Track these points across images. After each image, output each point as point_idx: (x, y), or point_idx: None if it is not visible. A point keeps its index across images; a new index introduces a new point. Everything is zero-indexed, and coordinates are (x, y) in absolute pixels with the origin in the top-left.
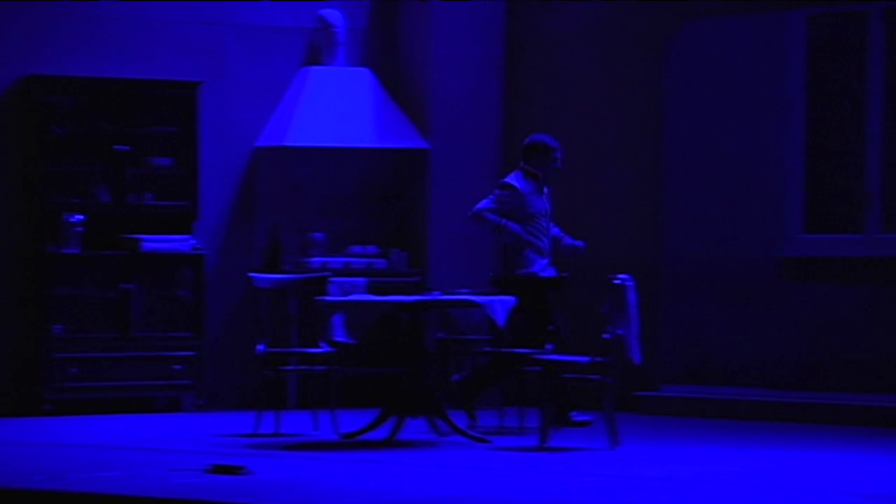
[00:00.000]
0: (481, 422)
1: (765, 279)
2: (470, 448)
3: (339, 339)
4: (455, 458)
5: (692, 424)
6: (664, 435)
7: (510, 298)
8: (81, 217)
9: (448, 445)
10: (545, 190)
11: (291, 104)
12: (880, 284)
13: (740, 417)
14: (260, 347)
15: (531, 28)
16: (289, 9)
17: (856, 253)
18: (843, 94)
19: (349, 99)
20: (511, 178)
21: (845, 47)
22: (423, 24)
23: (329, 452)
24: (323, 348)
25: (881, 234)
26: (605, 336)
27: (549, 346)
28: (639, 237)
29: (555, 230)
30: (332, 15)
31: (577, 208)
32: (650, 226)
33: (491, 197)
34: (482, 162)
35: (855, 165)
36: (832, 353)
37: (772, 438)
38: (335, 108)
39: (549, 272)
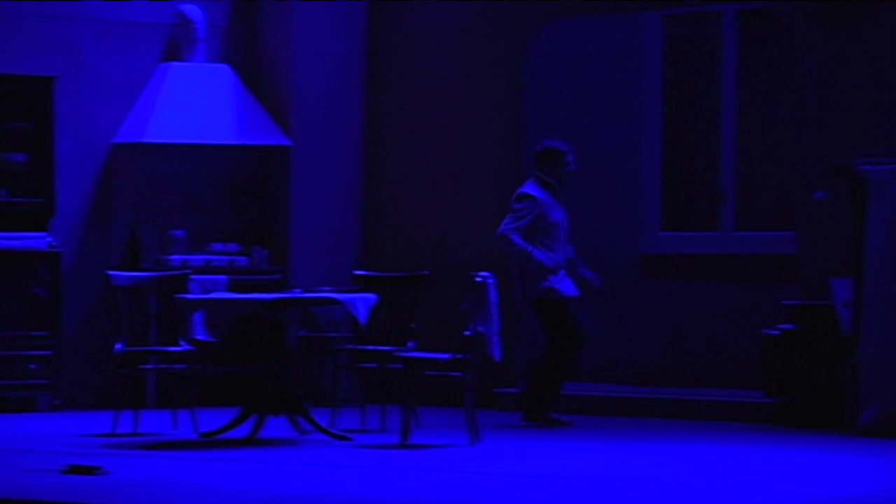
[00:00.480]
0: (342, 421)
1: (624, 276)
2: (331, 446)
3: (199, 337)
4: (317, 456)
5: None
6: (524, 431)
7: (371, 296)
8: None
9: (310, 443)
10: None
11: (150, 100)
12: (735, 281)
13: (600, 413)
14: (118, 346)
15: (393, 25)
16: (147, 4)
17: (711, 250)
18: (699, 93)
19: (209, 95)
20: (528, 188)
21: (700, 47)
22: (283, 21)
23: (189, 452)
24: (183, 347)
25: (736, 231)
26: (467, 333)
27: (410, 344)
28: None
29: (569, 249)
30: (192, 11)
31: (438, 206)
32: None
33: (511, 214)
34: (344, 159)
35: (710, 164)
36: (689, 349)
37: (631, 433)
38: (195, 105)
39: (566, 285)
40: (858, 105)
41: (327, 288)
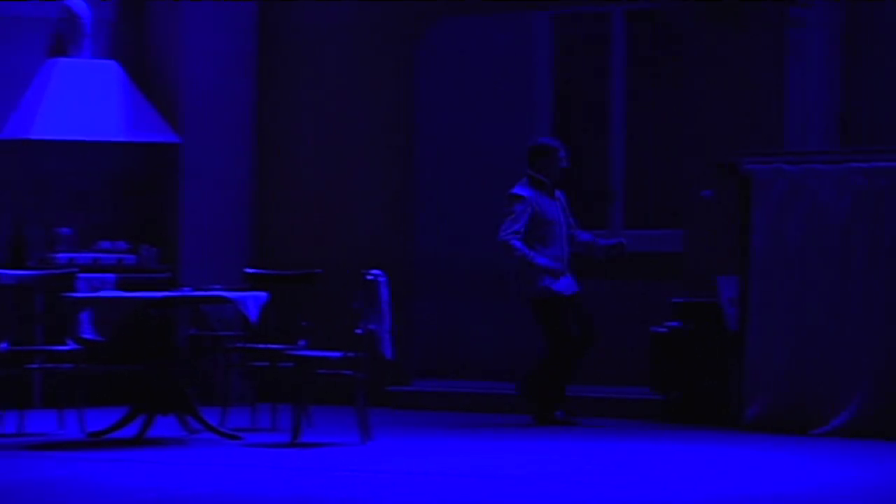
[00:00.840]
0: (233, 420)
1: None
2: (221, 445)
3: (86, 336)
4: (206, 455)
5: (444, 418)
6: (416, 429)
7: (262, 294)
8: None
9: (199, 443)
10: (557, 195)
11: (36, 96)
12: (624, 279)
13: (491, 410)
14: (3, 345)
15: (284, 22)
16: None
17: None
18: (588, 92)
19: (96, 92)
20: (518, 188)
21: (589, 47)
22: (172, 17)
23: (76, 452)
24: (70, 346)
25: (625, 229)
26: (358, 331)
27: (301, 342)
28: (391, 233)
29: (585, 235)
30: (79, 6)
31: (330, 204)
32: (402, 222)
33: (507, 218)
34: (234, 156)
35: (599, 163)
36: None
37: (522, 430)
38: (82, 101)
39: (561, 284)
40: (744, 104)
41: (218, 286)
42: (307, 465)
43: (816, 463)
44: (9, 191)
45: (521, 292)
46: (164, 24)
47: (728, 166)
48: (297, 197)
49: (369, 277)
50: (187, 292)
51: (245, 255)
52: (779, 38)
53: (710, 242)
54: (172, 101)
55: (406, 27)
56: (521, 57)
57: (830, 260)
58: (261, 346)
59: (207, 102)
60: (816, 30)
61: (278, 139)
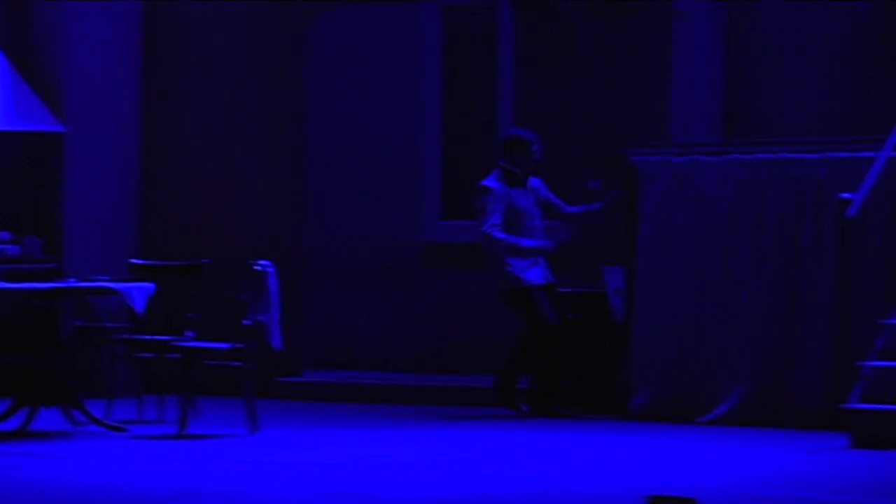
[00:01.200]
0: (118, 412)
1: (405, 265)
2: (107, 437)
3: None
4: (91, 447)
5: (334, 409)
6: (305, 420)
7: (149, 285)
8: None
9: (84, 435)
10: (533, 185)
11: None
12: None
13: (382, 401)
14: None
15: (171, 11)
16: None
17: None
18: (477, 83)
19: None
20: (487, 180)
21: (478, 38)
22: (56, 6)
23: None
24: None
25: None
26: (246, 322)
27: (189, 333)
28: (279, 224)
29: (575, 208)
30: None
31: (217, 194)
32: (291, 212)
33: (482, 213)
34: (120, 146)
35: (489, 153)
36: (471, 336)
37: (413, 421)
38: None
39: (531, 274)
40: (631, 97)
41: (103, 277)
42: (194, 456)
43: (700, 450)
44: None
45: (494, 281)
46: (48, 12)
47: (615, 158)
48: (184, 187)
49: (257, 268)
50: (72, 283)
51: (131, 246)
52: (665, 31)
53: (596, 233)
54: (57, 90)
55: (294, 17)
56: (411, 48)
57: (715, 251)
58: (147, 337)
59: (92, 92)
60: (701, 23)
61: (165, 129)
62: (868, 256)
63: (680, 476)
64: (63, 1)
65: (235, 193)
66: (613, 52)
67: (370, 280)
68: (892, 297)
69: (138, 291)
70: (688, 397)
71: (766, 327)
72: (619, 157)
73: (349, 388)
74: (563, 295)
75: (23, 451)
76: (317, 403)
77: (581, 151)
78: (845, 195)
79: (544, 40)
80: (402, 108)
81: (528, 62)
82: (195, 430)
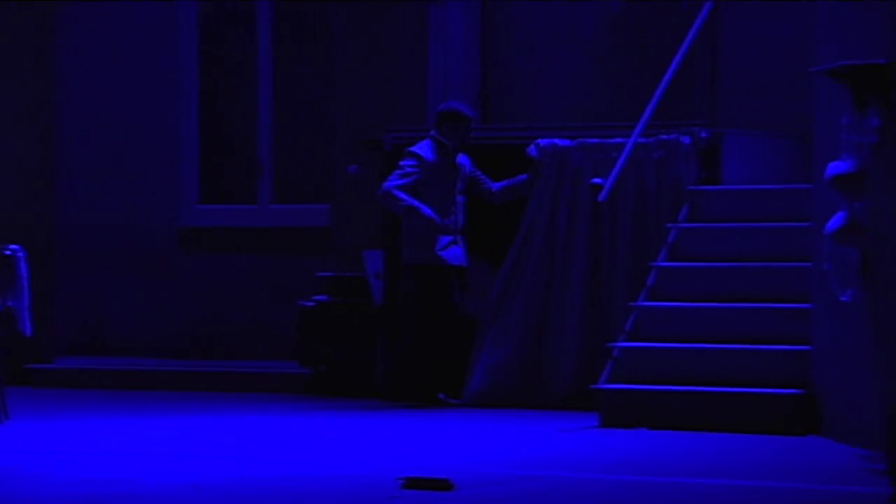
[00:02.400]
0: None
1: (162, 249)
2: None
3: None
4: None
5: (89, 396)
6: (58, 408)
7: None
8: None
9: None
10: (460, 162)
11: None
12: (271, 254)
13: (140, 387)
14: None
15: None
16: None
17: (250, 223)
18: (236, 68)
19: None
20: (417, 147)
21: (237, 23)
22: None
23: None
24: None
25: (273, 204)
26: None
27: None
28: (30, 208)
29: (499, 184)
30: None
31: None
32: (42, 196)
33: (397, 171)
34: None
35: (248, 138)
36: (228, 321)
37: (171, 407)
38: None
39: (451, 253)
40: (388, 81)
41: None
42: None
43: (457, 431)
44: None
45: (405, 255)
46: None
47: (373, 143)
48: None
49: (7, 252)
50: None
51: None
52: (421, 16)
53: (356, 217)
54: None
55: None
56: (169, 32)
57: (545, 242)
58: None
59: None
60: (457, 10)
61: None
62: (618, 240)
63: (436, 458)
64: None
65: None
66: (371, 38)
67: (127, 265)
68: (641, 280)
69: None
70: (526, 387)
71: (524, 309)
72: (378, 141)
73: (103, 375)
74: (323, 279)
75: None
76: (72, 391)
77: (340, 135)
78: (597, 180)
79: (303, 25)
80: (159, 92)
81: (287, 47)
82: None
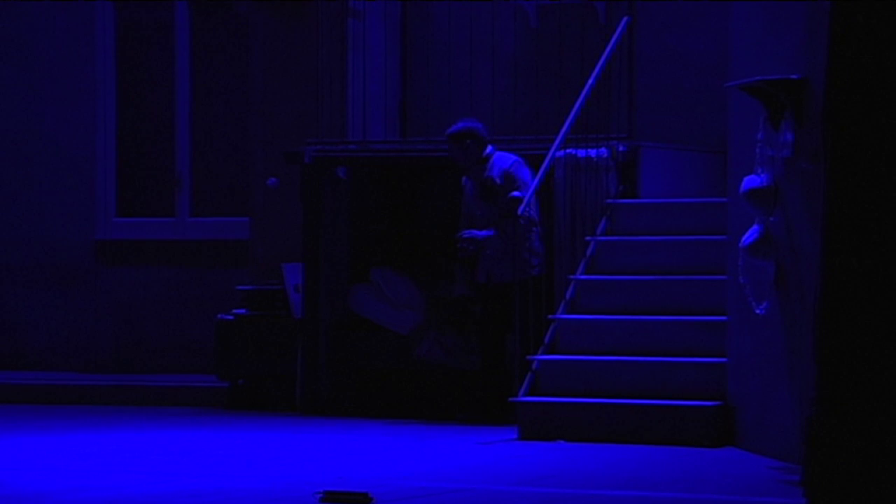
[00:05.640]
0: None
1: (78, 263)
2: None
3: None
4: None
5: (2, 411)
6: None
7: None
8: None
9: None
10: (466, 181)
11: None
12: (190, 266)
13: (56, 402)
14: None
15: None
16: None
17: (167, 236)
18: (153, 79)
19: None
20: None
21: (154, 33)
22: None
23: None
24: None
25: (191, 217)
26: None
27: None
28: None
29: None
30: None
31: None
32: None
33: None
34: None
35: (165, 150)
36: (146, 334)
37: (87, 421)
38: None
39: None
40: (308, 94)
41: None
42: None
43: (377, 444)
44: None
45: (515, 273)
46: None
47: (293, 155)
48: None
49: None
50: None
51: None
52: (340, 29)
53: (275, 230)
54: None
55: None
56: (84, 40)
57: None
58: None
59: None
60: (375, 22)
61: None
62: None
63: (356, 471)
64: None
65: None
66: (290, 50)
67: (42, 278)
68: (560, 292)
69: None
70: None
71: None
72: (298, 154)
73: (18, 390)
74: (242, 292)
75: None
76: None
77: (259, 148)
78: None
79: (221, 36)
80: (75, 103)
81: (206, 58)
82: None
